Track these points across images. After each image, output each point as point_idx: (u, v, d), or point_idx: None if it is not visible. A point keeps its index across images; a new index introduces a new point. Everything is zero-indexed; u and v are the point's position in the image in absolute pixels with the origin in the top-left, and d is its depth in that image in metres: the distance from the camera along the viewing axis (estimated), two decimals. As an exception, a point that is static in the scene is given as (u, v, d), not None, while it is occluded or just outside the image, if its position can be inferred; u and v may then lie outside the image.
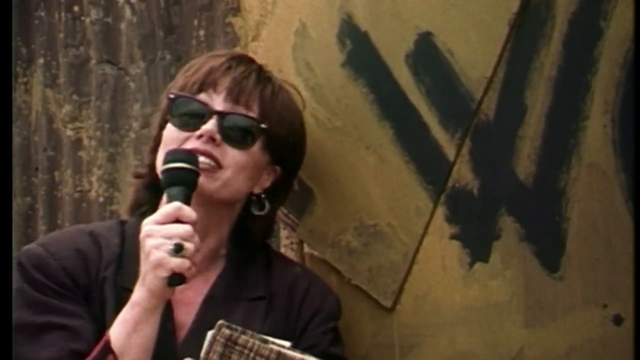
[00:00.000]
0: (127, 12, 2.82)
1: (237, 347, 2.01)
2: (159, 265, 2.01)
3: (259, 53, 2.52)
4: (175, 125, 2.20)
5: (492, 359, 2.24)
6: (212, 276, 2.23)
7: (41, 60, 2.91)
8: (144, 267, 2.03)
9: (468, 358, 2.26)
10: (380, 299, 2.35)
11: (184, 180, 2.10)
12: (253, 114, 2.22)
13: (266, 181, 2.27)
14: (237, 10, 2.66)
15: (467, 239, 2.27)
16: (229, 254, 2.26)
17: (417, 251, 2.31)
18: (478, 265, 2.25)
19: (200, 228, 2.10)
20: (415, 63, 2.32)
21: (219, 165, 2.17)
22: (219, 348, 2.01)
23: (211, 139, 2.16)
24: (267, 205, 2.26)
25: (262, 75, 2.26)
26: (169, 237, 2.01)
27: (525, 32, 2.22)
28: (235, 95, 2.21)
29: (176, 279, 2.02)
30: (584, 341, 2.16)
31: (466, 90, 2.26)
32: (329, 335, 2.23)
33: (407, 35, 2.32)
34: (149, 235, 2.03)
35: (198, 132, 2.17)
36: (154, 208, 2.19)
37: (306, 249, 2.48)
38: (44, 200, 2.88)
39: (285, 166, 2.29)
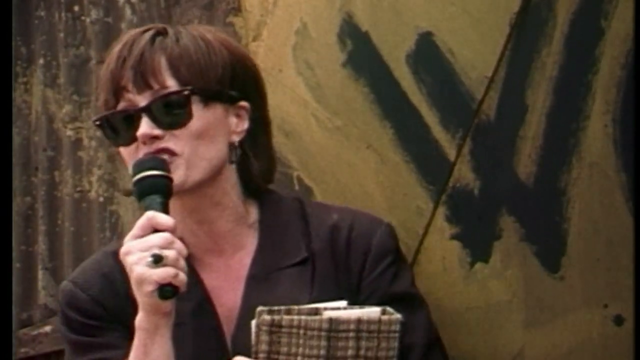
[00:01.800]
0: (128, 12, 2.82)
1: (283, 330, 1.93)
2: (141, 280, 1.93)
3: (260, 53, 2.52)
4: (120, 145, 2.11)
5: (492, 359, 2.24)
6: (247, 254, 2.13)
7: (41, 60, 2.91)
8: (133, 286, 1.96)
9: (468, 358, 2.26)
10: (380, 299, 2.34)
11: (156, 188, 2.01)
12: (171, 88, 2.07)
13: (240, 124, 2.14)
14: (237, 10, 2.66)
15: (467, 239, 2.27)
16: (260, 221, 2.15)
17: (417, 251, 2.31)
18: (478, 265, 2.25)
19: (210, 213, 2.07)
20: (416, 63, 2.31)
21: (173, 154, 2.06)
22: (264, 337, 1.92)
23: (154, 138, 2.06)
24: (245, 152, 2.13)
25: (157, 39, 2.10)
26: (147, 250, 1.93)
27: (526, 31, 2.22)
28: (143, 82, 2.07)
29: (168, 290, 1.94)
30: (585, 341, 2.16)
31: (467, 90, 2.26)
32: (387, 273, 2.10)
33: (407, 35, 2.32)
34: (127, 253, 1.96)
35: (139, 140, 2.06)
36: None
37: (306, 248, 2.48)
38: (44, 200, 2.88)
39: (245, 97, 2.14)
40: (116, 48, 2.12)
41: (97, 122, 2.12)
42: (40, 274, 2.95)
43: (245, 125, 2.14)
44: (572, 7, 2.18)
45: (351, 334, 1.92)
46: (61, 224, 2.87)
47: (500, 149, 2.25)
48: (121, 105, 2.09)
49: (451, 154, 2.28)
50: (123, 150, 2.11)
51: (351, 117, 2.38)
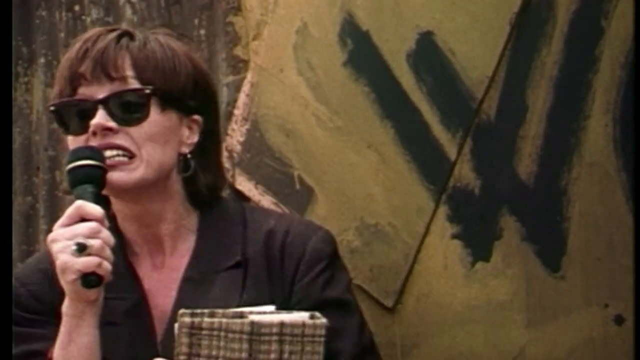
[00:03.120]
0: (128, 11, 2.82)
1: (203, 332, 1.92)
2: (65, 268, 1.94)
3: (260, 52, 2.52)
4: (70, 134, 2.10)
5: (493, 359, 2.24)
6: (185, 257, 2.14)
7: (42, 60, 2.90)
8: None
9: (469, 357, 2.26)
10: (381, 299, 2.34)
11: (89, 177, 2.01)
12: (134, 84, 2.08)
13: (191, 136, 2.14)
14: (238, 10, 2.66)
15: (468, 238, 2.27)
16: (200, 227, 2.16)
17: (418, 251, 2.31)
18: (479, 265, 2.25)
19: (152, 217, 2.08)
20: (416, 62, 2.31)
21: (131, 154, 2.06)
22: (185, 339, 1.92)
23: (107, 130, 2.05)
24: (192, 165, 2.12)
25: (124, 39, 2.11)
26: (72, 238, 1.94)
27: (526, 31, 2.22)
28: (104, 74, 2.07)
29: (91, 279, 1.94)
30: (586, 341, 2.16)
31: (467, 90, 2.26)
32: (320, 279, 2.10)
33: (408, 34, 2.32)
34: (53, 240, 1.96)
35: (90, 130, 2.05)
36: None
37: (307, 248, 2.48)
38: (45, 200, 2.88)
39: (201, 111, 2.15)
40: (78, 42, 2.13)
41: (52, 108, 2.12)
42: (41, 273, 2.95)
43: (195, 138, 2.14)
44: (572, 7, 2.18)
45: (274, 338, 1.91)
46: (62, 224, 2.87)
47: (500, 148, 2.25)
48: (80, 93, 2.08)
49: (452, 153, 2.28)
50: (72, 140, 2.10)
51: (352, 117, 2.38)
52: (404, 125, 2.33)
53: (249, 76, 2.55)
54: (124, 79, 2.08)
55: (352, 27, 2.39)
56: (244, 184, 2.56)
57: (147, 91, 2.07)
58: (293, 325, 1.92)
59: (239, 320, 1.92)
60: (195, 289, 2.10)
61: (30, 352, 2.09)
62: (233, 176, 2.58)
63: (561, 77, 2.19)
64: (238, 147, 2.57)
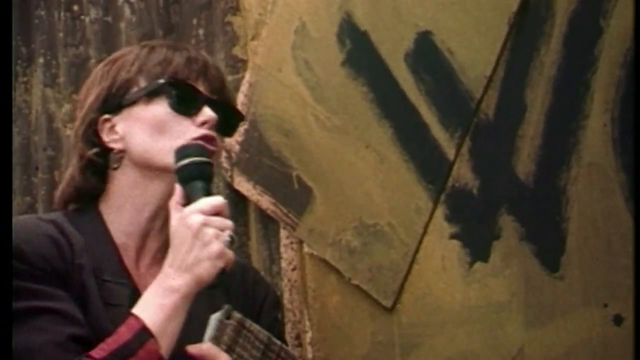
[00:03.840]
0: (127, 11, 2.82)
1: (243, 331, 2.07)
2: (220, 255, 2.01)
3: (259, 52, 2.51)
4: (174, 109, 2.15)
5: (492, 359, 2.24)
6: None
7: (41, 60, 2.91)
8: (195, 254, 2.00)
9: (468, 358, 2.26)
10: (380, 299, 2.34)
11: (202, 173, 2.09)
12: (234, 104, 2.28)
13: None
14: (236, 9, 2.66)
15: (467, 238, 2.27)
16: None
17: (417, 251, 2.31)
18: (478, 265, 2.25)
19: (168, 214, 2.11)
20: (415, 62, 2.31)
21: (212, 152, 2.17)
22: (230, 331, 2.06)
23: (212, 128, 2.16)
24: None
25: (209, 63, 2.25)
26: (223, 229, 2.02)
27: (525, 31, 2.22)
28: (216, 85, 2.21)
29: (224, 271, 2.03)
30: (584, 341, 2.16)
31: (466, 89, 2.26)
32: (277, 325, 2.29)
33: (406, 34, 2.32)
34: (206, 224, 2.01)
35: (202, 118, 2.15)
36: (97, 195, 2.17)
37: (306, 248, 2.48)
38: (44, 200, 2.88)
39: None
40: (162, 42, 2.33)
41: (171, 81, 2.17)
42: (40, 273, 2.94)
43: None
44: (571, 6, 2.17)
45: (273, 356, 2.11)
46: (61, 224, 2.86)
47: (499, 148, 2.24)
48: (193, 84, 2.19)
49: (450, 153, 2.28)
50: (165, 116, 2.15)
51: (350, 117, 2.38)
52: (403, 125, 2.32)
53: (248, 76, 2.55)
54: (229, 94, 2.26)
55: (350, 27, 2.39)
56: (243, 184, 2.56)
57: (242, 117, 2.30)
58: (287, 352, 2.15)
59: (263, 331, 2.12)
60: None
61: (44, 308, 2.00)
62: (231, 176, 2.58)
63: (560, 76, 2.19)
64: (236, 147, 2.57)
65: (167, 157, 2.12)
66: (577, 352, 2.16)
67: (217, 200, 2.05)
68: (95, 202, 2.21)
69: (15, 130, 2.90)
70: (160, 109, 2.16)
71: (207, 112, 2.16)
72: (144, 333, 1.97)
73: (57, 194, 2.25)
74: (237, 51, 2.64)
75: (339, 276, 2.40)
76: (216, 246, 2.00)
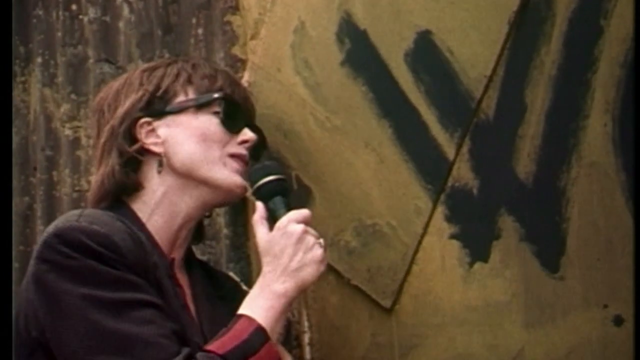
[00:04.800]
0: (125, 10, 2.81)
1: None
2: (323, 259, 2.13)
3: (258, 52, 2.51)
4: (223, 124, 2.23)
5: (492, 359, 2.23)
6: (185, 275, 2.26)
7: (39, 59, 2.89)
8: (300, 258, 2.11)
9: (468, 358, 2.25)
10: (379, 299, 2.34)
11: (285, 189, 2.22)
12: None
13: None
14: (235, 9, 2.65)
15: (466, 238, 2.26)
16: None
17: (416, 251, 2.30)
18: (478, 265, 2.24)
19: (194, 226, 2.23)
20: (414, 62, 2.31)
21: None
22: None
23: (250, 148, 2.25)
24: None
25: (247, 90, 2.38)
26: (318, 238, 2.15)
27: (525, 30, 2.21)
28: (252, 112, 2.32)
29: None
30: (584, 341, 2.15)
31: (466, 89, 2.25)
32: None
33: (406, 33, 2.32)
34: (307, 232, 2.13)
35: (244, 137, 2.24)
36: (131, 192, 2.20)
37: (305, 248, 2.47)
38: (43, 200, 2.87)
39: None
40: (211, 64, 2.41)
41: (223, 95, 2.25)
42: (39, 273, 2.93)
43: None
44: (571, 6, 2.17)
45: None
46: (60, 224, 2.86)
47: (499, 148, 2.24)
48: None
49: (450, 153, 2.27)
50: (214, 128, 2.22)
51: (350, 116, 2.38)
52: (402, 125, 2.32)
53: (247, 75, 2.55)
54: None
55: (349, 27, 2.38)
56: (242, 184, 2.55)
57: (265, 144, 2.37)
58: None
59: None
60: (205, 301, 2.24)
61: (147, 301, 2.01)
62: (230, 176, 2.57)
63: (560, 76, 2.18)
64: (235, 147, 2.56)
65: (210, 167, 2.19)
66: (577, 353, 2.16)
67: (306, 211, 2.17)
68: (126, 201, 2.21)
69: (13, 130, 2.88)
70: (208, 121, 2.22)
71: (249, 133, 2.25)
72: (262, 334, 2.04)
73: (93, 189, 2.25)
74: (236, 51, 2.64)
75: (338, 276, 2.39)
76: (319, 251, 2.13)
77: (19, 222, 2.87)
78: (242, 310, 2.08)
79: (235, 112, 2.25)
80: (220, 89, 2.25)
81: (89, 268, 1.99)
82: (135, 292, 2.00)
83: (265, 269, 2.11)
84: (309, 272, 2.11)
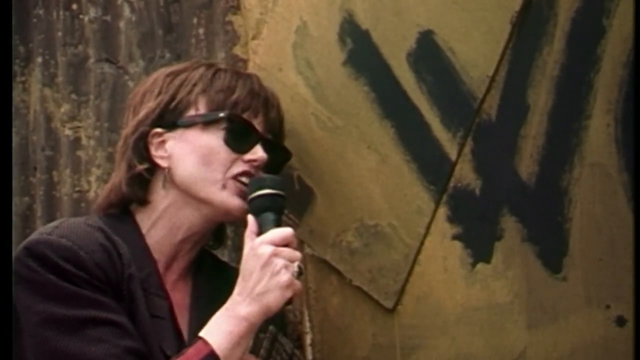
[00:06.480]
0: (126, 10, 2.81)
1: (276, 344, 2.18)
2: (289, 286, 2.07)
3: (259, 52, 2.51)
4: (228, 144, 2.20)
5: (494, 360, 2.24)
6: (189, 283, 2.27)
7: (39, 59, 2.89)
8: (265, 283, 2.06)
9: (470, 359, 2.25)
10: (381, 300, 2.33)
11: (277, 206, 2.16)
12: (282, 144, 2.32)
13: None
14: (237, 9, 2.65)
15: (469, 239, 2.26)
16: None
17: (418, 251, 2.30)
18: (480, 266, 2.24)
19: (200, 238, 2.22)
20: (416, 62, 2.30)
21: None
22: (267, 344, 2.17)
23: (259, 167, 2.21)
24: None
25: (271, 99, 2.30)
26: (292, 260, 2.09)
27: (527, 30, 2.21)
28: (270, 124, 2.26)
29: (289, 302, 2.11)
30: (587, 342, 2.15)
31: (468, 89, 2.25)
32: None
33: (408, 33, 2.31)
34: (276, 255, 2.08)
35: (252, 157, 2.21)
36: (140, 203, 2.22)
37: (306, 249, 2.47)
38: (43, 200, 2.86)
39: None
40: (229, 67, 2.36)
41: (227, 115, 2.21)
42: (39, 274, 2.93)
43: None
44: (573, 6, 2.17)
45: None
46: (60, 224, 2.85)
47: (501, 148, 2.23)
48: (247, 119, 2.23)
49: (452, 153, 2.27)
50: (217, 148, 2.19)
51: (351, 117, 2.37)
52: (404, 125, 2.32)
53: (248, 75, 2.54)
54: (280, 133, 2.32)
55: (351, 26, 2.38)
56: (243, 184, 2.55)
57: (288, 158, 2.35)
58: None
59: (288, 342, 2.26)
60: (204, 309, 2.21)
61: (102, 319, 2.03)
62: (232, 176, 2.57)
63: (562, 76, 2.18)
64: (237, 147, 2.56)
65: (208, 189, 2.17)
66: (579, 354, 2.16)
67: (286, 231, 2.12)
68: (130, 210, 2.24)
69: (13, 130, 2.88)
70: (214, 139, 2.20)
71: (259, 152, 2.21)
72: (212, 358, 2.03)
73: (100, 200, 2.28)
74: (237, 50, 2.64)
75: (339, 277, 2.39)
76: (285, 276, 2.07)
77: (19, 222, 2.87)
78: (202, 332, 2.07)
79: (244, 131, 2.22)
80: (233, 104, 2.21)
81: (50, 283, 2.03)
82: (92, 310, 2.03)
83: (235, 290, 2.09)
84: (273, 298, 2.07)
